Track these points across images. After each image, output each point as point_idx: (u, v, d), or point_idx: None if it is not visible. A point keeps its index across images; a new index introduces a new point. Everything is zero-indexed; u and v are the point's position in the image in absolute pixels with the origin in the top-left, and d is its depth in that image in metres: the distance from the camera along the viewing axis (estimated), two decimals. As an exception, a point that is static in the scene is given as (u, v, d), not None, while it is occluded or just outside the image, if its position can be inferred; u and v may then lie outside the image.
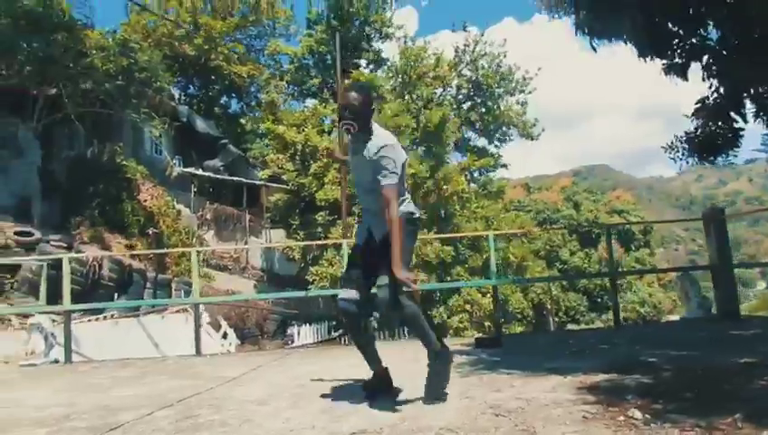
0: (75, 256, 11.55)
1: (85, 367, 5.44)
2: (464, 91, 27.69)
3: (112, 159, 16.62)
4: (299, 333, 15.19)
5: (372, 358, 3.11)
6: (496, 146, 27.27)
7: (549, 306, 22.05)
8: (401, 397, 3.08)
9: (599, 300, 29.61)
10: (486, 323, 15.03)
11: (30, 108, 16.56)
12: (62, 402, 3.55)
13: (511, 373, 3.72)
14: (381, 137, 2.96)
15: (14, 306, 8.78)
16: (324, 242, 15.36)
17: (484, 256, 16.49)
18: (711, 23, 4.82)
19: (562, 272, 27.68)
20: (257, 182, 22.00)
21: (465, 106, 28.01)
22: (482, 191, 19.31)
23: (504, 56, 25.77)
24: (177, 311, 11.37)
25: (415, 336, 3.10)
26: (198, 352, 5.98)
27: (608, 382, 3.20)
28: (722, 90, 5.51)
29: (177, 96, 28.22)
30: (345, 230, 16.28)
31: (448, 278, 15.19)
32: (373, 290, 2.92)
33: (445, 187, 16.16)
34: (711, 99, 5.65)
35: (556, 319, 25.70)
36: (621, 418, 2.41)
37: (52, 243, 11.67)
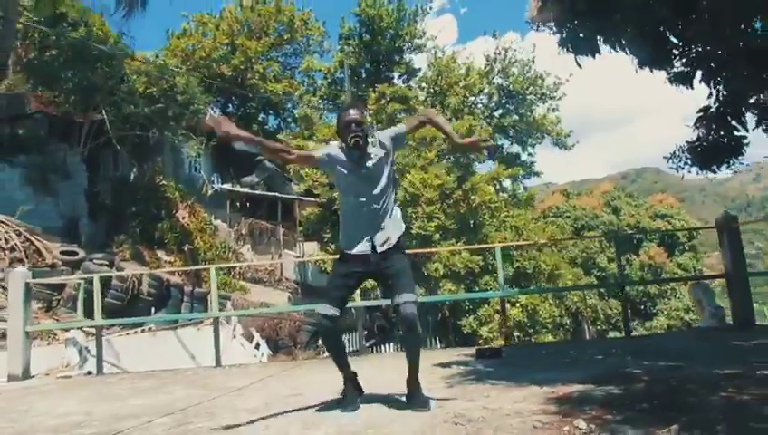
0: (116, 273, 12.25)
1: (113, 378, 5.86)
2: (495, 99, 27.69)
3: (152, 180, 17.44)
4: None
5: (344, 364, 3.32)
6: (530, 154, 27.14)
7: (584, 314, 21.65)
8: (375, 405, 3.28)
9: (642, 307, 28.82)
10: (516, 334, 14.99)
11: (77, 134, 17.62)
12: (81, 411, 3.91)
13: (494, 384, 3.86)
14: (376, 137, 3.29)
15: (57, 322, 9.41)
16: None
17: (515, 266, 16.50)
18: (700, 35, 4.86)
19: (600, 279, 27.07)
20: (290, 197, 22.59)
21: (497, 114, 28.01)
22: (512, 200, 19.26)
23: (533, 62, 25.65)
24: (212, 323, 11.87)
25: (412, 355, 3.22)
26: (218, 363, 6.33)
27: (579, 393, 3.31)
28: (722, 98, 5.51)
29: (217, 115, 29.25)
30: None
31: (476, 288, 15.23)
32: (400, 304, 3.03)
33: (472, 197, 16.25)
34: (713, 108, 5.66)
35: (594, 327, 25.18)
36: (567, 428, 2.55)
37: (95, 261, 12.39)
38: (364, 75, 31.40)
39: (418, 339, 3.20)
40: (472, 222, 16.52)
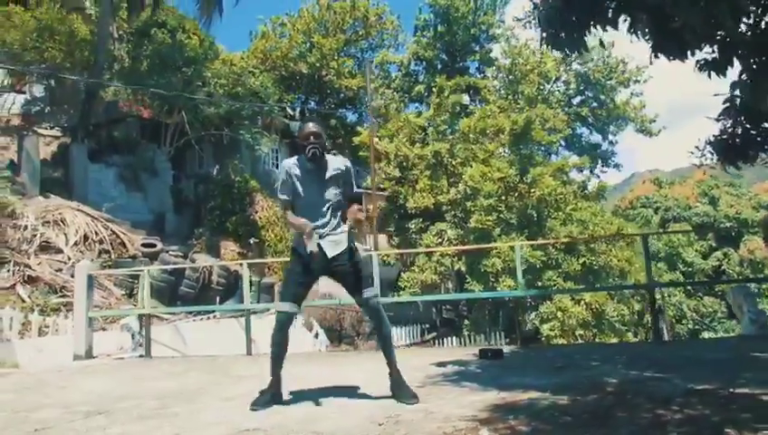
0: (189, 265, 13.33)
1: (155, 362, 6.55)
2: (573, 86, 26.60)
3: (229, 176, 18.65)
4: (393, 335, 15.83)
5: (280, 364, 3.55)
6: (611, 142, 25.84)
7: (667, 313, 20.40)
8: (328, 400, 3.54)
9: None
10: (578, 332, 14.52)
11: (163, 134, 19.19)
12: (104, 390, 4.51)
13: (465, 386, 3.98)
14: (336, 157, 3.72)
15: (118, 308, 10.45)
16: (416, 250, 15.88)
17: (581, 261, 15.91)
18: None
19: (686, 276, 25.21)
20: (359, 190, 23.15)
21: (575, 101, 26.92)
22: (581, 192, 18.53)
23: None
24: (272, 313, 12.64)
25: (386, 346, 3.59)
26: (249, 352, 6.86)
27: (527, 401, 3.37)
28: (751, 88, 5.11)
29: (296, 112, 30.43)
30: (437, 237, 16.73)
31: (539, 284, 14.89)
32: (366, 297, 3.47)
33: (533, 189, 15.88)
34: (737, 99, 5.26)
35: (682, 327, 23.57)
36: (469, 436, 2.67)
37: (170, 253, 13.56)
38: (439, 66, 31.31)
39: (385, 331, 3.60)
40: (535, 215, 16.15)
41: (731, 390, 3.38)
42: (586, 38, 4.49)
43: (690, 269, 25.84)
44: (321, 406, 3.44)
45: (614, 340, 14.72)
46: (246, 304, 7.16)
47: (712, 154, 5.45)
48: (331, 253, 3.47)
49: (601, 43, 4.66)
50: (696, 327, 26.19)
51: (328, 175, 3.53)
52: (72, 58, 17.95)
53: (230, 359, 6.52)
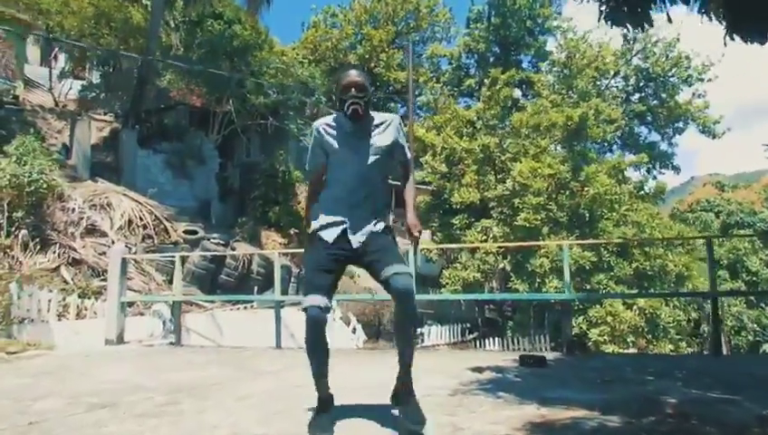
0: (229, 252, 13.32)
1: (182, 351, 6.41)
2: (633, 82, 25.29)
3: (274, 166, 18.64)
4: (429, 333, 15.47)
5: (325, 373, 2.75)
6: (670, 142, 24.44)
7: (725, 323, 19.15)
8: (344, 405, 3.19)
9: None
10: (629, 339, 13.68)
11: (211, 122, 19.36)
12: (122, 379, 4.34)
13: (501, 398, 3.58)
14: (382, 114, 2.88)
15: (150, 294, 10.47)
16: (459, 246, 15.42)
17: (633, 265, 15.00)
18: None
19: (749, 285, 23.55)
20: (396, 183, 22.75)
21: (634, 98, 25.60)
22: (638, 192, 17.49)
23: (678, 40, 22.91)
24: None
25: (403, 341, 2.72)
26: (278, 345, 6.63)
27: (569, 420, 2.95)
28: None
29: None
30: (482, 234, 16.18)
31: (587, 286, 14.13)
32: (395, 276, 2.56)
33: (587, 188, 15.07)
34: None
35: (742, 338, 22.07)
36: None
37: (212, 241, 13.58)
38: (491, 60, 30.49)
39: (413, 320, 2.66)
40: (588, 215, 15.34)
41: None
42: (651, 11, 3.98)
43: (755, 278, 24.16)
44: (340, 416, 3.10)
45: (669, 347, 13.80)
46: (277, 295, 6.91)
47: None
48: (356, 243, 2.71)
49: (669, 19, 4.09)
50: (757, 339, 24.53)
51: (373, 141, 2.72)
52: (126, 45, 18.33)
53: (257, 352, 6.31)
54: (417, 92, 34.86)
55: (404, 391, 2.71)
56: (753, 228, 27.06)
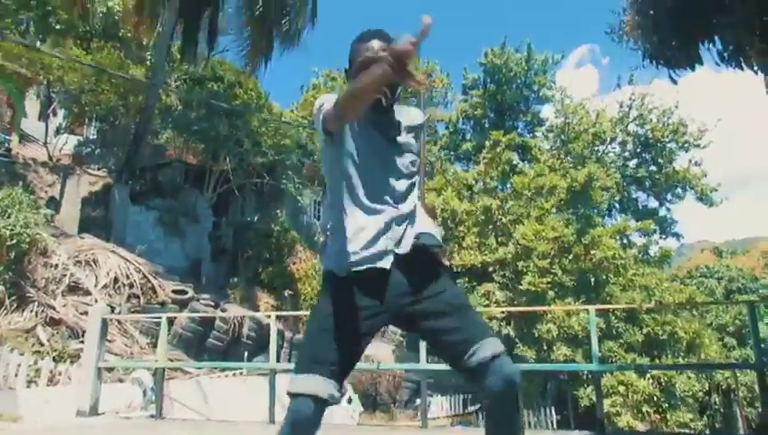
0: (219, 314, 12.59)
1: (164, 426, 5.65)
2: (629, 147, 25.47)
3: (269, 226, 18.18)
4: (429, 405, 14.50)
5: None
6: (668, 208, 24.36)
7: (739, 395, 18.27)
8: None
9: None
10: (644, 409, 12.82)
11: (206, 180, 19.04)
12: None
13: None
14: (410, 108, 2.13)
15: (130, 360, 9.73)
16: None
17: (644, 331, 14.35)
18: None
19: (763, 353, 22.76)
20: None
21: (631, 164, 25.70)
22: (642, 257, 17.12)
23: (676, 107, 23.27)
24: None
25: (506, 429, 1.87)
26: (272, 420, 5.90)
27: None
28: None
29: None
30: (483, 298, 15.55)
31: (599, 354, 13.35)
32: (489, 357, 1.77)
33: (593, 252, 14.64)
34: None
35: (754, 410, 21.09)
36: None
37: (201, 301, 12.88)
38: (487, 125, 30.88)
39: (519, 418, 1.88)
40: (593, 279, 14.84)
41: None
42: (700, 49, 3.65)
43: (763, 345, 23.40)
44: None
45: (688, 416, 12.91)
46: (272, 362, 6.24)
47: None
48: (406, 277, 1.86)
49: (673, 80, 3.75)
50: (770, 414, 23.47)
51: (400, 136, 2.00)
52: (125, 101, 18.26)
53: (248, 427, 5.58)
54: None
55: None
56: (756, 294, 26.62)
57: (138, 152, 17.26)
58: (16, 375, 7.46)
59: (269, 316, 6.76)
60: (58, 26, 16.74)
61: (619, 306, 12.19)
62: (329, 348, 1.80)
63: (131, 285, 12.53)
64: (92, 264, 12.59)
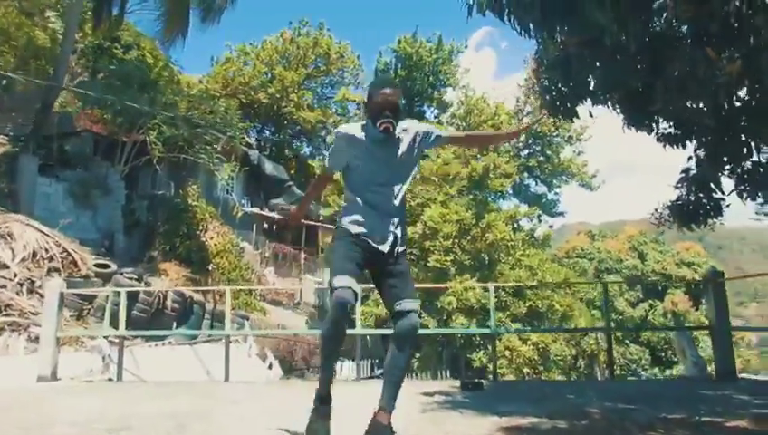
0: (144, 288, 13.03)
1: (130, 385, 6.46)
2: (522, 139, 28.22)
3: (185, 200, 18.37)
4: (341, 369, 15.88)
5: (331, 375, 2.82)
6: (556, 193, 27.56)
7: (598, 358, 21.55)
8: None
9: (662, 354, 28.41)
10: (525, 370, 15.16)
11: (119, 152, 18.73)
12: (103, 409, 4.47)
13: (465, 412, 4.26)
14: (407, 121, 2.99)
15: (86, 329, 10.14)
16: (370, 286, 16.11)
17: (527, 304, 16.71)
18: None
19: (617, 323, 26.88)
20: (313, 223, 23.35)
21: (523, 154, 28.54)
22: (529, 239, 19.58)
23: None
24: (231, 341, 12.49)
25: (395, 382, 2.78)
26: (227, 378, 6.89)
27: (529, 424, 3.72)
28: (701, 162, 5.88)
29: (252, 140, 30.46)
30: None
31: (488, 324, 15.44)
32: (405, 311, 2.71)
33: (487, 234, 16.67)
34: (694, 170, 6.03)
35: (610, 371, 24.89)
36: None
37: (125, 275, 13.18)
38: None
39: (410, 356, 2.86)
40: (487, 259, 16.89)
41: (697, 417, 3.88)
42: (578, 108, 5.14)
43: (621, 317, 27.54)
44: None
45: (560, 377, 15.42)
46: (227, 329, 7.18)
47: (669, 218, 6.17)
48: (384, 248, 2.84)
49: (590, 114, 5.28)
50: (622, 373, 27.65)
51: (401, 151, 2.88)
52: (27, 66, 17.44)
53: (210, 384, 6.54)
54: (324, 133, 35.95)
55: (385, 415, 2.71)
56: (619, 274, 30.88)
57: (45, 121, 16.69)
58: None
59: (228, 290, 7.57)
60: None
61: (509, 284, 14.31)
62: (350, 264, 2.74)
63: (51, 259, 12.56)
64: (7, 237, 12.44)
